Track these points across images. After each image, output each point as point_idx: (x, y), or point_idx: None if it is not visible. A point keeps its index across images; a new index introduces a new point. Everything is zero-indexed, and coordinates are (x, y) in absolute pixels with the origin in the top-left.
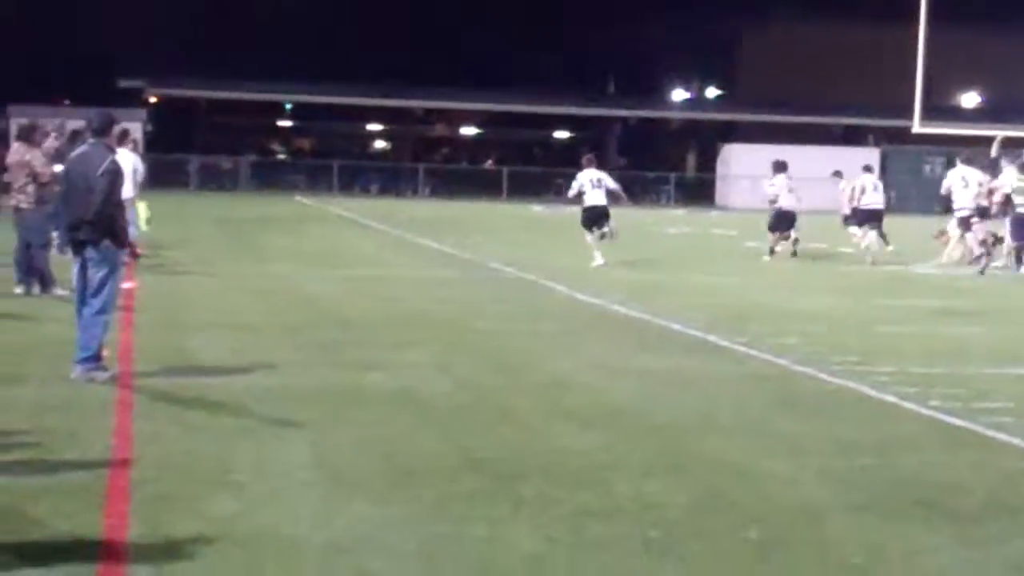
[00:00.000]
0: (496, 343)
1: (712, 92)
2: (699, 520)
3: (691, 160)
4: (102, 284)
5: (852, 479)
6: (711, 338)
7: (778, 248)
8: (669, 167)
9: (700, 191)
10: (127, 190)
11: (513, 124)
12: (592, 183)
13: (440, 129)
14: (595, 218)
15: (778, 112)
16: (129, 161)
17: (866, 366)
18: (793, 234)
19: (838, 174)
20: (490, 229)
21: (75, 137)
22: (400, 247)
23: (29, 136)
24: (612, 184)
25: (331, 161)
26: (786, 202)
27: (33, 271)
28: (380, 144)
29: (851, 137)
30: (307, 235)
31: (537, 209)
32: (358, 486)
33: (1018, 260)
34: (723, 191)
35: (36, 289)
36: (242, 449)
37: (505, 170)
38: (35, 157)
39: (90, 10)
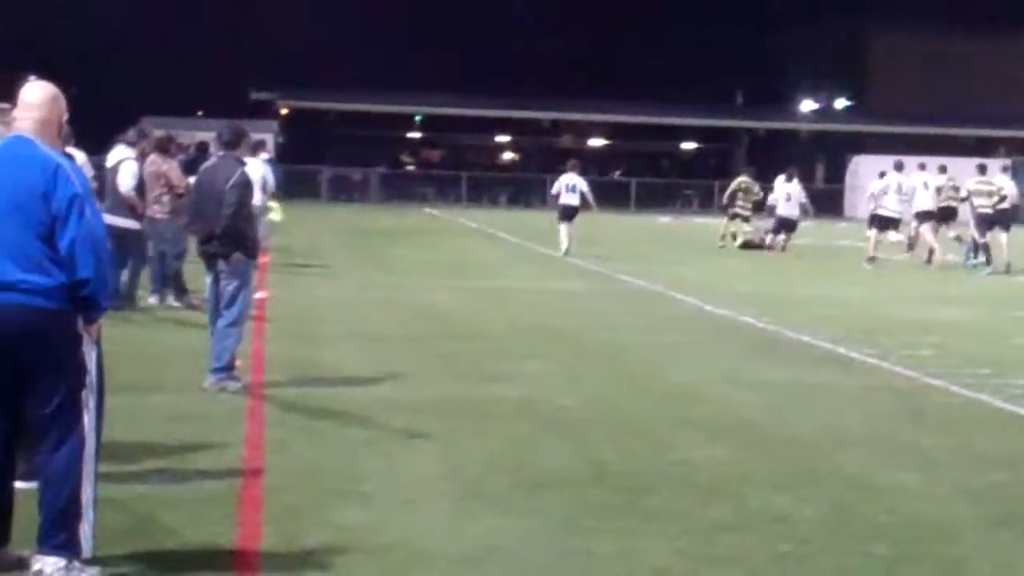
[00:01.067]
0: (623, 355)
1: (841, 103)
2: (829, 534)
3: (820, 171)
4: (234, 296)
5: (985, 494)
6: (841, 350)
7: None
8: (799, 178)
9: (829, 202)
10: (256, 199)
11: (641, 136)
12: (567, 187)
13: (568, 140)
14: (567, 215)
15: (908, 123)
16: (259, 171)
17: (999, 379)
18: (781, 239)
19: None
20: (618, 240)
21: (204, 149)
22: (528, 258)
23: (165, 147)
24: (584, 189)
25: (460, 172)
26: (783, 210)
27: (167, 281)
28: (508, 155)
29: (982, 148)
30: (435, 246)
31: (664, 220)
32: (488, 498)
33: (974, 253)
34: (852, 202)
35: (171, 299)
36: (371, 460)
37: (633, 181)
38: (171, 168)
39: (221, 22)
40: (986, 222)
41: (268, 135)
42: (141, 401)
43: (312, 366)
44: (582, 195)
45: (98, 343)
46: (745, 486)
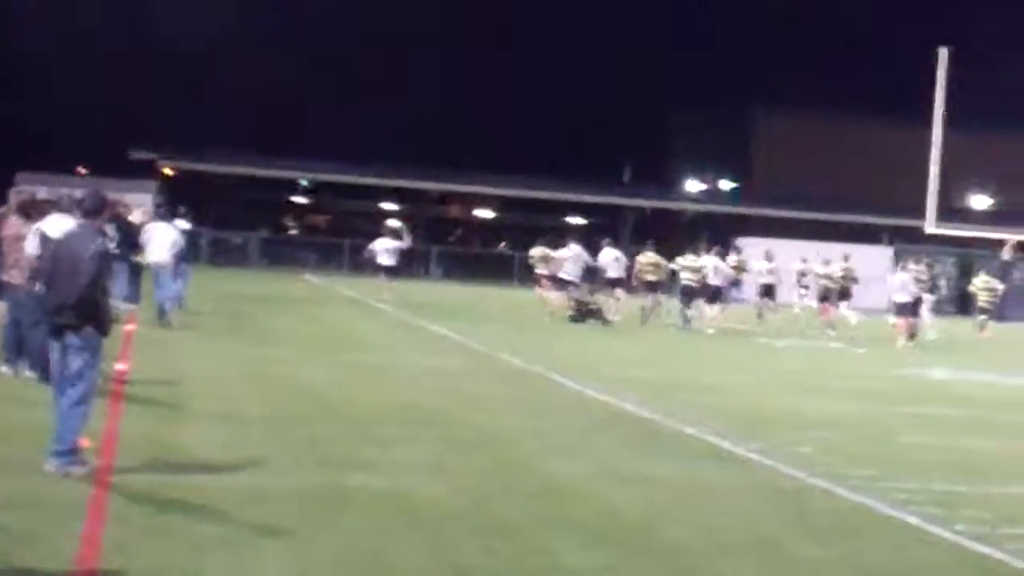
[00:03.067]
0: (497, 441)
1: (726, 184)
2: None
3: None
4: (80, 373)
5: None
6: (724, 444)
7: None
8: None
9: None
10: (162, 256)
11: (528, 209)
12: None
13: (454, 211)
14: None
15: (792, 207)
16: (171, 234)
17: (886, 481)
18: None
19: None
20: (501, 316)
21: (44, 208)
22: (407, 332)
23: (27, 210)
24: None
25: (343, 240)
26: (713, 279)
27: (22, 351)
28: (395, 224)
29: (865, 235)
30: (312, 316)
31: (553, 295)
32: None
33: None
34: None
35: (26, 370)
36: (216, 561)
37: (517, 255)
38: (32, 232)
39: (103, 78)
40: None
41: (147, 195)
42: None
43: (168, 449)
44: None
45: None
46: None
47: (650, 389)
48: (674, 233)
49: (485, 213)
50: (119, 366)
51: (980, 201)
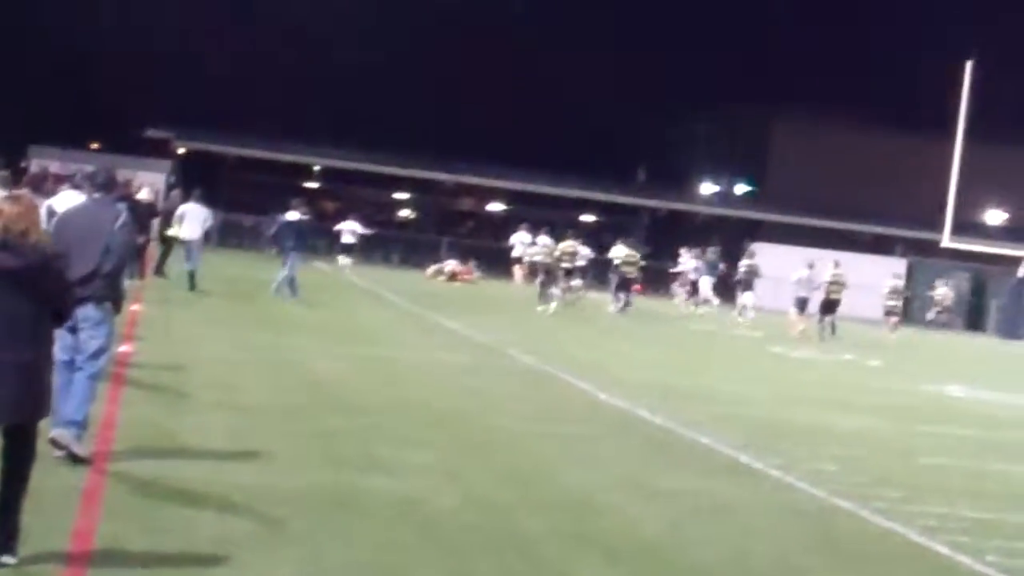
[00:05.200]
0: (511, 447)
1: (741, 188)
2: None
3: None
4: (104, 348)
5: None
6: (743, 458)
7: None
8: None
9: (724, 288)
10: (195, 233)
11: (541, 204)
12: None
13: (467, 204)
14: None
15: (807, 214)
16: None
17: (912, 504)
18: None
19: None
20: (511, 311)
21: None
22: (417, 325)
23: (39, 185)
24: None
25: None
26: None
27: None
28: (405, 213)
29: (879, 245)
30: (322, 305)
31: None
32: None
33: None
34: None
35: None
36: (217, 568)
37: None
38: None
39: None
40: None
41: (160, 174)
42: None
43: (170, 439)
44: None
45: None
46: None
47: (665, 395)
48: (688, 235)
49: (497, 207)
50: (123, 348)
51: (995, 216)
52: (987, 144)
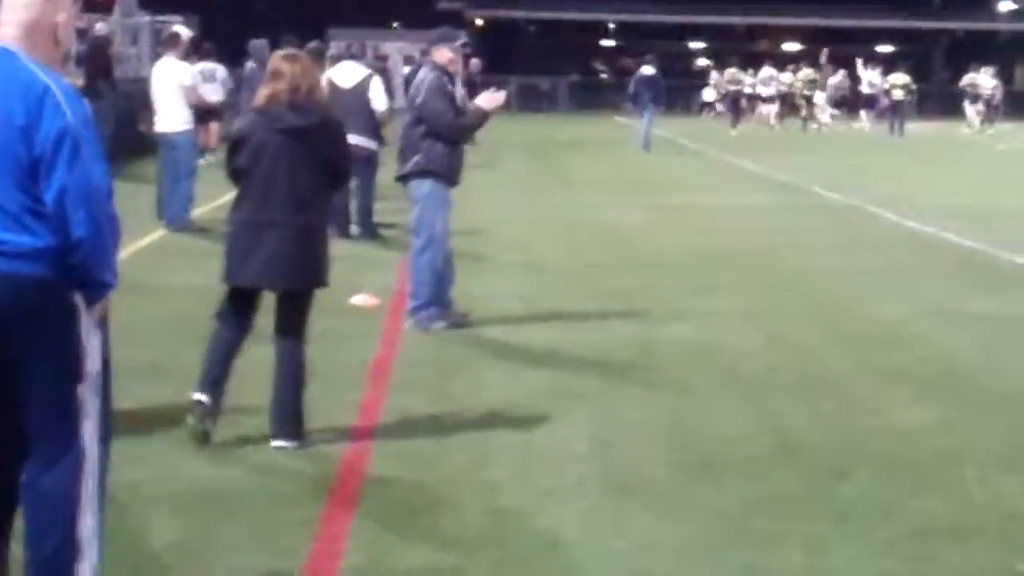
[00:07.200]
0: (814, 284)
1: None
2: None
3: (1020, 73)
4: (421, 222)
5: None
6: None
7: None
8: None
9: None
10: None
11: (836, 39)
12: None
13: (764, 45)
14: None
15: None
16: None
17: None
18: None
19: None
20: (811, 149)
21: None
22: (717, 170)
23: (319, 59)
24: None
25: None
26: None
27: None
28: (703, 62)
29: None
30: (621, 158)
31: (857, 126)
32: (640, 490)
33: None
34: None
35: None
36: (505, 435)
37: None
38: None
39: None
40: None
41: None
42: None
43: (464, 300)
44: None
45: (103, 327)
46: (964, 467)
47: (971, 217)
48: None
49: (794, 46)
50: None
51: None
52: None
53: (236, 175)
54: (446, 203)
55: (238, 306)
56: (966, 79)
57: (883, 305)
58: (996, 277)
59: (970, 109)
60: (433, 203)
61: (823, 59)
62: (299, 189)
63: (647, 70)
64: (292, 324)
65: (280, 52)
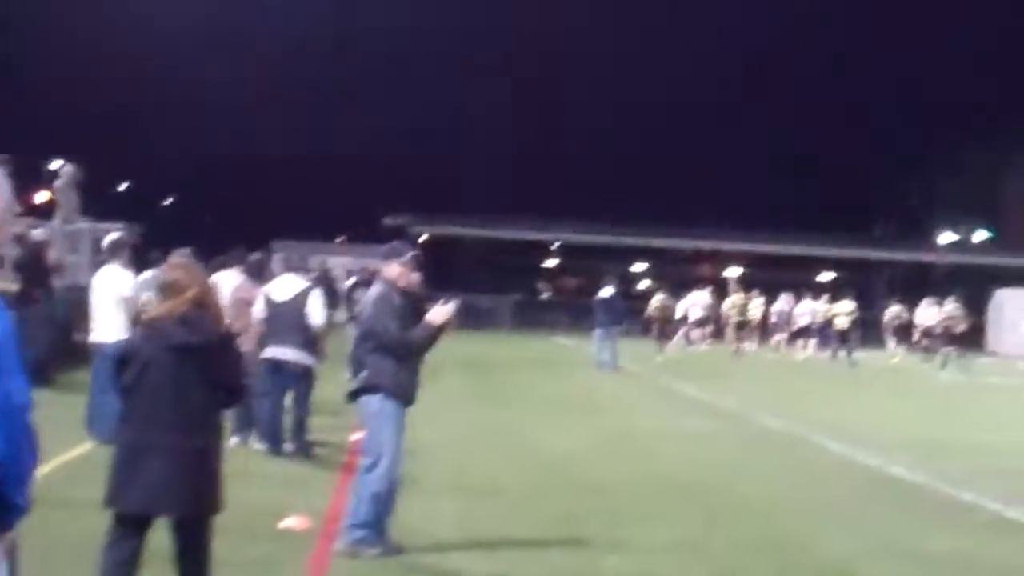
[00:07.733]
0: (761, 514)
1: (980, 235)
2: None
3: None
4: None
5: None
6: (1010, 514)
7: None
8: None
9: (968, 337)
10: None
11: (777, 266)
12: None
13: (704, 270)
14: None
15: None
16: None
17: None
18: None
19: None
20: (754, 375)
21: (258, 269)
22: (657, 395)
23: (258, 272)
24: None
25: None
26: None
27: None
28: (645, 284)
29: None
30: (561, 378)
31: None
32: None
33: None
34: (995, 337)
35: (255, 443)
36: None
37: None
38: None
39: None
40: None
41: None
42: None
43: (398, 523)
44: None
45: (11, 557)
46: None
47: (919, 450)
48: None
49: (735, 271)
50: (355, 436)
51: None
52: None
53: (124, 392)
54: (396, 420)
55: (127, 531)
56: (890, 312)
57: (835, 539)
58: (943, 513)
59: (891, 341)
60: (381, 420)
61: (732, 283)
62: (188, 408)
63: (606, 292)
64: (193, 557)
65: (172, 260)
